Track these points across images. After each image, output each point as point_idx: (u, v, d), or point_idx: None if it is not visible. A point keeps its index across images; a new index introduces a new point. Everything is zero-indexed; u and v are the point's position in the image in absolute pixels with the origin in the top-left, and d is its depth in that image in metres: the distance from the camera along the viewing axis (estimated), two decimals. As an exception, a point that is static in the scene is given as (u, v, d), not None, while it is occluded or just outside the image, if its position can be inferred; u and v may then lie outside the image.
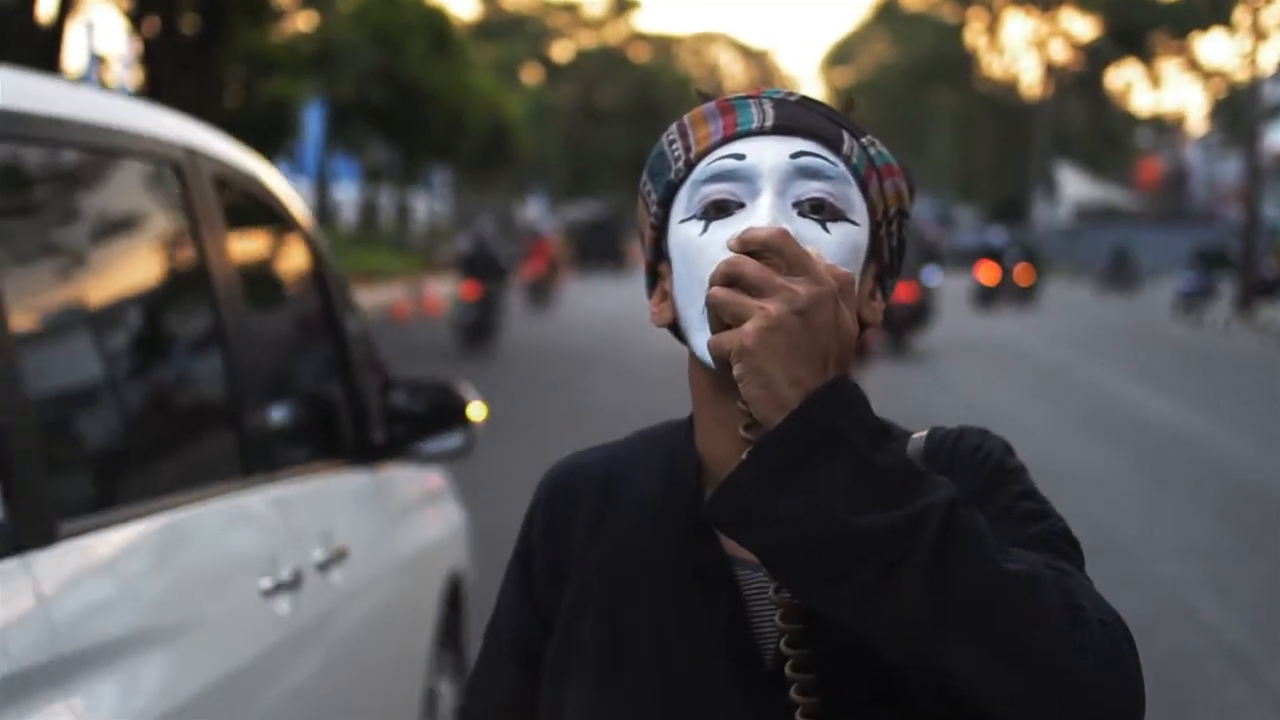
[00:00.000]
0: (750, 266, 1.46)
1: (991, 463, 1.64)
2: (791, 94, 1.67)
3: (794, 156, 1.60)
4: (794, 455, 1.41)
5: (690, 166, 1.63)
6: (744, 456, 1.45)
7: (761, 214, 1.56)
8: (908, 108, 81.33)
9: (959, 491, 1.46)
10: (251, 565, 3.08)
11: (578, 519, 1.74)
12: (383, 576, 3.94)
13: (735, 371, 1.45)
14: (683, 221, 1.62)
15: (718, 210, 1.59)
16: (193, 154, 3.20)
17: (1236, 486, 12.78)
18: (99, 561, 2.53)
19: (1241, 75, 48.78)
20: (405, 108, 49.89)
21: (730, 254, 1.49)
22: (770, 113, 1.63)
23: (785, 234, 1.47)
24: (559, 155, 77.97)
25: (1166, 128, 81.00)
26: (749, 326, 1.43)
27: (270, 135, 43.33)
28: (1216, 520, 11.13)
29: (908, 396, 16.41)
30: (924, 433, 1.69)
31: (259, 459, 3.28)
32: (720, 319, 1.47)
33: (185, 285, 3.26)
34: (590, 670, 1.67)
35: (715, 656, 1.62)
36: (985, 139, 77.09)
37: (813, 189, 1.59)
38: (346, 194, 63.53)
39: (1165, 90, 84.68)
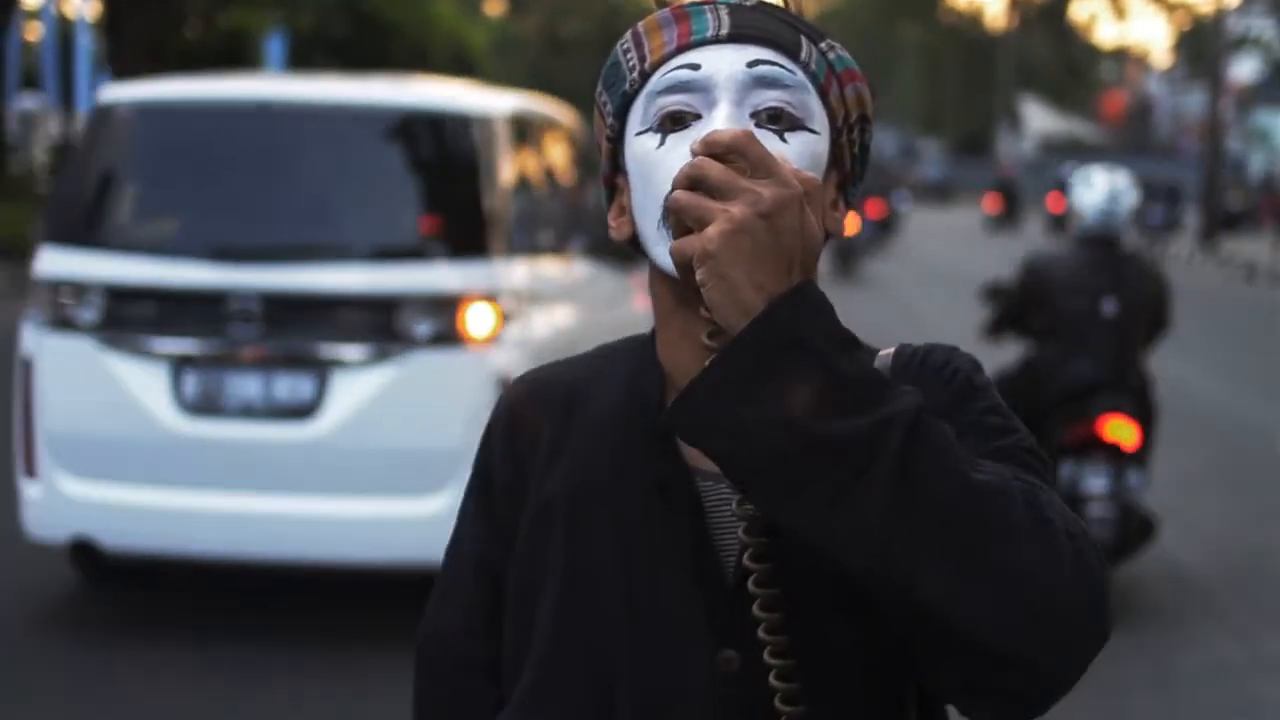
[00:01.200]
0: (714, 169, 1.41)
1: (960, 379, 1.60)
2: None
3: (750, 65, 1.56)
4: (757, 361, 1.38)
5: (645, 77, 1.59)
6: (707, 363, 1.41)
7: (718, 125, 1.51)
8: (873, 40, 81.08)
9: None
10: None
11: (538, 436, 1.69)
12: None
13: (698, 276, 1.40)
14: (639, 134, 1.58)
15: (674, 122, 1.55)
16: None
17: (1200, 419, 12.84)
18: None
19: (1205, 8, 48.75)
20: (367, 40, 49.53)
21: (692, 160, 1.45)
22: (725, 20, 1.59)
23: (750, 136, 1.43)
24: (524, 87, 77.49)
25: (1131, 61, 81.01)
26: (712, 230, 1.39)
27: (230, 67, 43.07)
28: (1180, 452, 11.16)
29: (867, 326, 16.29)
30: (891, 349, 1.66)
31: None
32: (683, 223, 1.43)
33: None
34: (552, 589, 1.64)
35: (677, 572, 1.59)
36: (950, 72, 76.96)
37: (770, 98, 1.55)
38: (309, 127, 63.00)
39: (1129, 23, 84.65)
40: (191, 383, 6.36)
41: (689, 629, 1.58)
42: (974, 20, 78.35)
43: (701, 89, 1.55)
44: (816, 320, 1.40)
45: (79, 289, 6.49)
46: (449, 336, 6.31)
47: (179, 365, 6.36)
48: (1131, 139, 78.92)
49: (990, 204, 45.57)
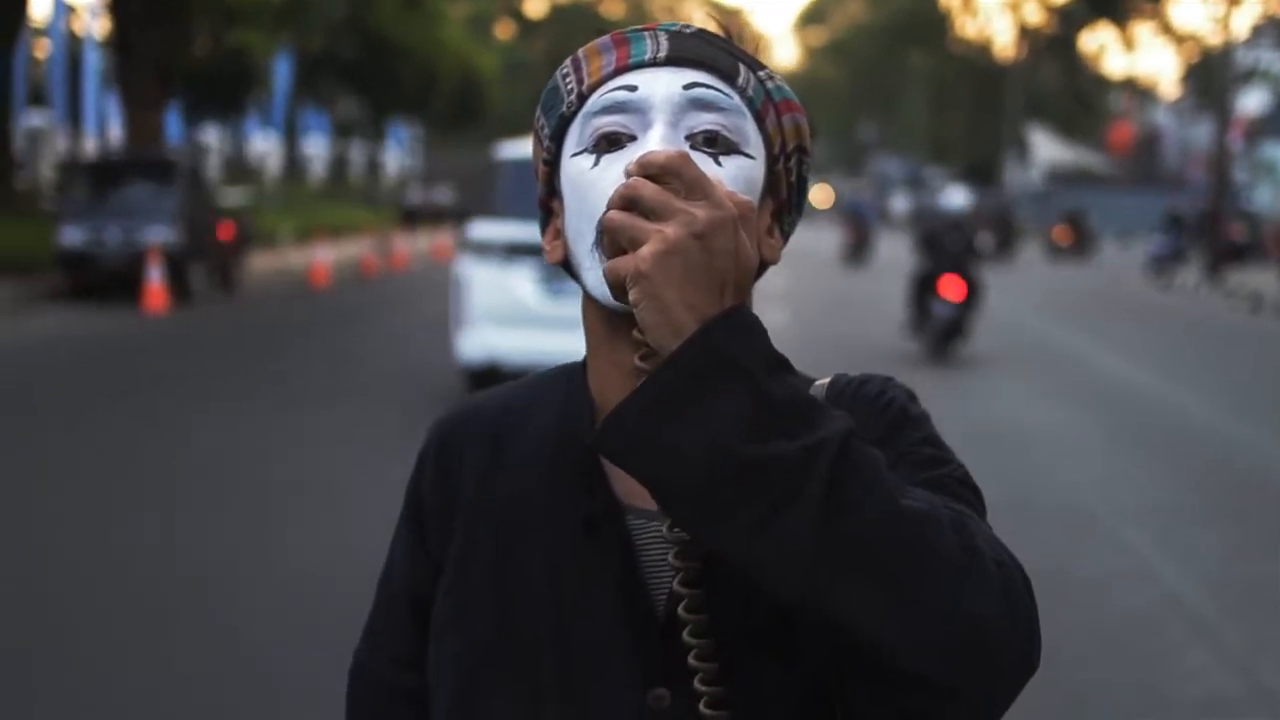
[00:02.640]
0: (648, 189, 1.40)
1: (894, 409, 1.59)
2: (688, 26, 1.64)
3: (687, 88, 1.56)
4: (687, 382, 1.37)
5: (583, 99, 1.59)
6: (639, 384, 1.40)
7: (653, 146, 1.50)
8: (881, 69, 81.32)
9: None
10: None
11: (467, 467, 1.69)
12: None
13: (631, 297, 1.39)
14: (574, 155, 1.58)
15: (609, 143, 1.55)
16: None
17: (1202, 451, 12.80)
18: None
19: (1214, 40, 48.80)
20: (376, 62, 49.72)
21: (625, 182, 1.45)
22: (664, 44, 1.59)
23: (685, 157, 1.42)
24: (531, 111, 77.61)
25: (1139, 91, 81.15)
26: (645, 250, 1.38)
27: (238, 86, 43.20)
28: (1181, 484, 11.13)
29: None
30: (826, 379, 1.66)
31: None
32: (617, 244, 1.42)
33: None
34: (478, 621, 1.62)
35: (605, 607, 1.57)
36: (958, 101, 77.13)
37: (706, 121, 1.55)
38: (317, 148, 63.27)
39: (1138, 54, 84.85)
40: (543, 283, 13.19)
41: (618, 667, 1.56)
42: (983, 49, 78.46)
43: (637, 110, 1.55)
44: (748, 342, 1.39)
45: (488, 241, 13.50)
46: None
47: (537, 276, 13.24)
48: (1138, 169, 78.99)
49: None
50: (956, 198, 22.06)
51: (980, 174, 70.19)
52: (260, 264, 29.43)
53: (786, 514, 1.35)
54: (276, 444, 11.58)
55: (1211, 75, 51.23)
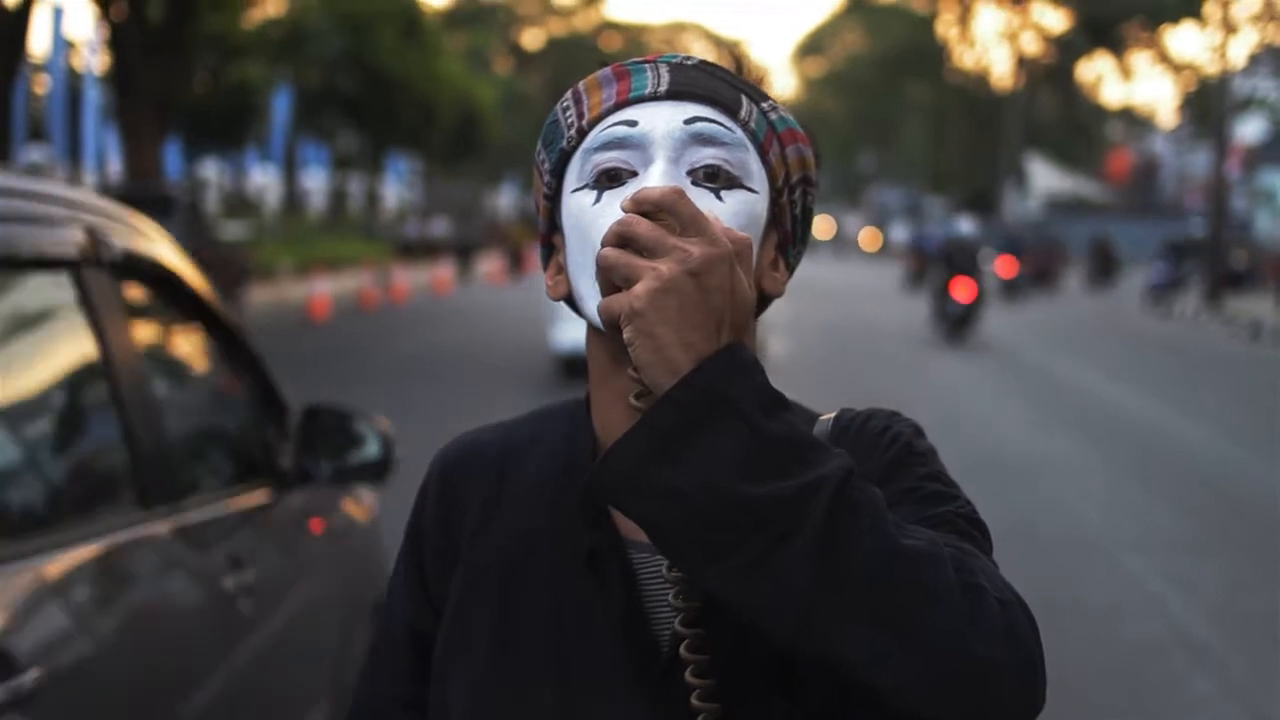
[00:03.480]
0: (643, 227, 1.39)
1: (899, 444, 1.57)
2: (690, 58, 1.61)
3: (688, 122, 1.54)
4: (682, 422, 1.35)
5: (583, 134, 1.57)
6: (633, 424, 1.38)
7: (654, 183, 1.49)
8: (879, 99, 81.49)
9: (860, 472, 1.39)
10: None
11: (470, 502, 1.67)
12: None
13: (625, 335, 1.38)
14: (575, 191, 1.56)
15: (610, 179, 1.53)
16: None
17: (1203, 480, 12.77)
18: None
19: (1211, 68, 48.89)
20: (375, 95, 49.78)
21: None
22: (665, 77, 1.57)
23: (680, 193, 1.41)
24: (530, 143, 77.82)
25: (1137, 120, 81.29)
26: (640, 288, 1.37)
27: (237, 120, 43.28)
28: (1183, 513, 11.11)
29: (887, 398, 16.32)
30: (832, 415, 1.63)
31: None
32: (612, 281, 1.41)
33: None
34: (479, 660, 1.60)
35: (608, 643, 1.55)
36: (956, 131, 77.28)
37: (707, 156, 1.53)
38: (316, 181, 63.36)
39: (1136, 83, 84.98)
40: None
41: (621, 703, 1.54)
42: (981, 79, 78.61)
43: (638, 145, 1.53)
44: (744, 381, 1.37)
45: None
46: None
47: None
48: (1137, 198, 79.06)
49: (1004, 268, 41.48)
50: (965, 225, 29.16)
51: (979, 203, 70.24)
52: (260, 297, 29.43)
53: (783, 553, 1.33)
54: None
55: (1209, 104, 51.29)
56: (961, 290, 25.64)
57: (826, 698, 1.46)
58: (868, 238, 58.41)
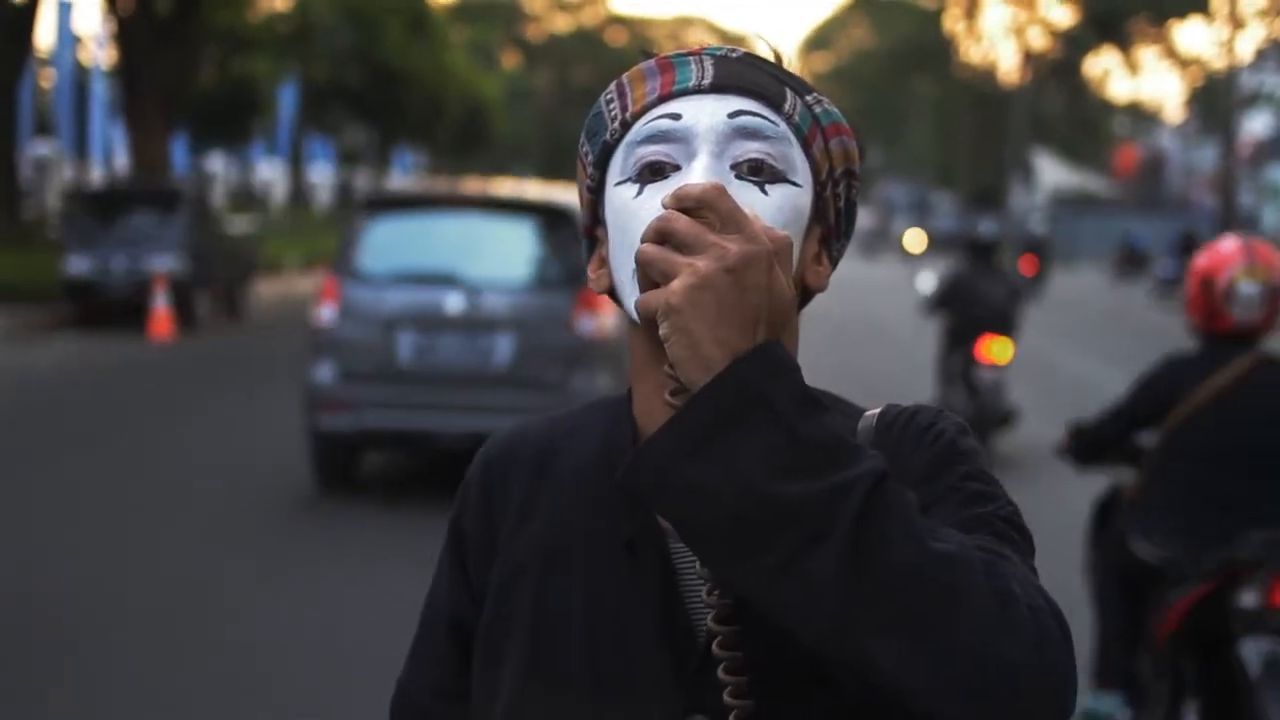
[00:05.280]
0: (681, 223, 1.39)
1: (943, 442, 1.55)
2: (735, 50, 1.61)
3: (732, 116, 1.53)
4: (715, 420, 1.34)
5: (626, 127, 1.57)
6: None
7: (696, 177, 1.49)
8: (886, 94, 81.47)
9: (902, 469, 1.39)
10: None
11: (512, 494, 1.67)
12: None
13: (661, 331, 1.38)
14: (618, 184, 1.56)
15: (653, 173, 1.53)
16: None
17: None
18: None
19: (1219, 63, 48.86)
20: (382, 89, 49.76)
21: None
22: (710, 70, 1.57)
23: (720, 190, 1.40)
24: (536, 138, 78.00)
25: (1143, 115, 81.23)
26: (676, 284, 1.37)
27: (243, 115, 43.28)
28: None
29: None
30: (877, 410, 1.62)
31: None
32: (649, 277, 1.41)
33: None
34: (520, 649, 1.60)
35: (646, 633, 1.55)
36: (963, 126, 77.15)
37: (751, 149, 1.53)
38: (322, 176, 63.35)
39: (1143, 78, 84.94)
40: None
41: (656, 693, 1.54)
42: (987, 75, 78.51)
43: (681, 139, 1.53)
44: (779, 379, 1.36)
45: None
46: None
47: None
48: (1144, 193, 79.01)
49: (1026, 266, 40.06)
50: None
51: (986, 198, 70.20)
52: (266, 291, 29.45)
53: (813, 554, 1.32)
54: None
55: (1216, 99, 51.27)
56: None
57: (866, 694, 1.44)
58: (913, 239, 57.64)
